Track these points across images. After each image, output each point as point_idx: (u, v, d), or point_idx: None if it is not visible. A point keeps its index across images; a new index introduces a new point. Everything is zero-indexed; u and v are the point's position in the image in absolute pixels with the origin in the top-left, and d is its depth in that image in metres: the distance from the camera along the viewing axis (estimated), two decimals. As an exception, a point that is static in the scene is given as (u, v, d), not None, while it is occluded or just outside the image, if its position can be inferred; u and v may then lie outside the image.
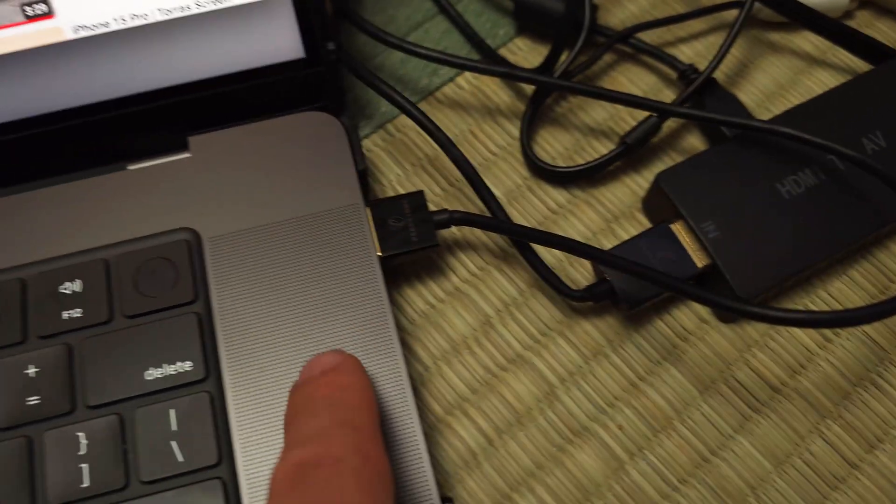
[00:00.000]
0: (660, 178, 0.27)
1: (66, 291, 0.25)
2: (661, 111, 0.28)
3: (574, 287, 0.27)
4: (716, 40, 0.32)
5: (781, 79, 0.32)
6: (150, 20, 0.26)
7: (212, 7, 0.26)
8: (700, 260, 0.26)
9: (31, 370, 0.24)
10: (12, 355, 0.24)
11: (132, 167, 0.27)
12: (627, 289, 0.26)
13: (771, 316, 0.21)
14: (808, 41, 0.32)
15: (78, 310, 0.25)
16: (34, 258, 0.25)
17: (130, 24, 0.25)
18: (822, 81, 0.32)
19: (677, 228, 0.27)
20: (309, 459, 0.18)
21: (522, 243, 0.26)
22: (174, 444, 0.23)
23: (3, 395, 0.23)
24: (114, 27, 0.25)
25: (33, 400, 0.23)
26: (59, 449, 0.23)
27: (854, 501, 0.25)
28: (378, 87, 0.27)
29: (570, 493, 0.25)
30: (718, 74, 0.31)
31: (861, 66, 0.32)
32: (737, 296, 0.25)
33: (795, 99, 0.31)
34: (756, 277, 0.26)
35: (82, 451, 0.23)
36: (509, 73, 0.28)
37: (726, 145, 0.28)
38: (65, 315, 0.25)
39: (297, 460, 0.18)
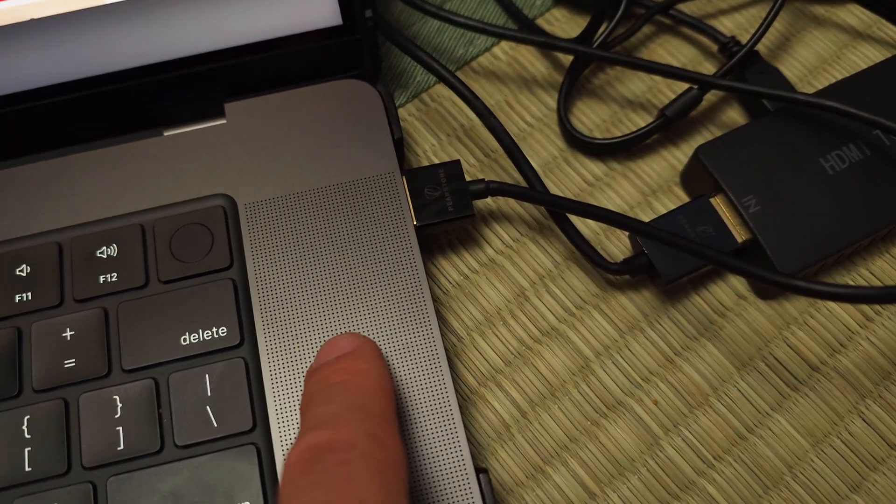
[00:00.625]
0: (699, 151, 0.27)
1: (103, 256, 0.25)
2: (703, 83, 0.27)
3: (611, 260, 0.26)
4: (757, 13, 0.31)
5: (825, 53, 0.31)
6: (187, -16, 0.25)
7: (250, -29, 0.26)
8: (740, 234, 0.26)
9: (68, 333, 0.24)
10: (49, 318, 0.24)
11: (168, 133, 0.27)
12: (665, 262, 0.25)
13: (816, 290, 0.21)
14: (853, 14, 0.31)
15: (114, 274, 0.25)
16: (71, 222, 0.25)
17: (167, -13, 0.25)
18: (867, 56, 0.31)
19: (717, 202, 0.26)
20: (321, 444, 0.18)
21: (559, 215, 0.26)
22: (209, 410, 0.23)
23: (40, 358, 0.23)
24: (151, -10, 0.25)
25: (69, 363, 0.23)
26: (94, 412, 0.23)
27: (893, 482, 0.24)
28: (416, 55, 0.27)
29: (604, 468, 0.24)
30: (760, 47, 0.31)
31: (908, 40, 0.31)
32: (776, 271, 0.25)
33: (839, 73, 0.30)
34: (797, 253, 0.25)
35: (118, 415, 0.23)
36: (547, 43, 0.27)
37: (768, 119, 0.27)
38: (101, 279, 0.25)
39: (310, 444, 0.18)
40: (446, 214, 0.25)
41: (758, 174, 0.26)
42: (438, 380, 0.23)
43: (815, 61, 0.31)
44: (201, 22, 0.26)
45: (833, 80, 0.30)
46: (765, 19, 0.28)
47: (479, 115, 0.26)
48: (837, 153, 0.27)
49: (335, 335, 0.24)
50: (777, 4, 0.28)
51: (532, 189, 0.26)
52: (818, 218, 0.26)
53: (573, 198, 0.28)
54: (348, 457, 0.17)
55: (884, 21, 0.31)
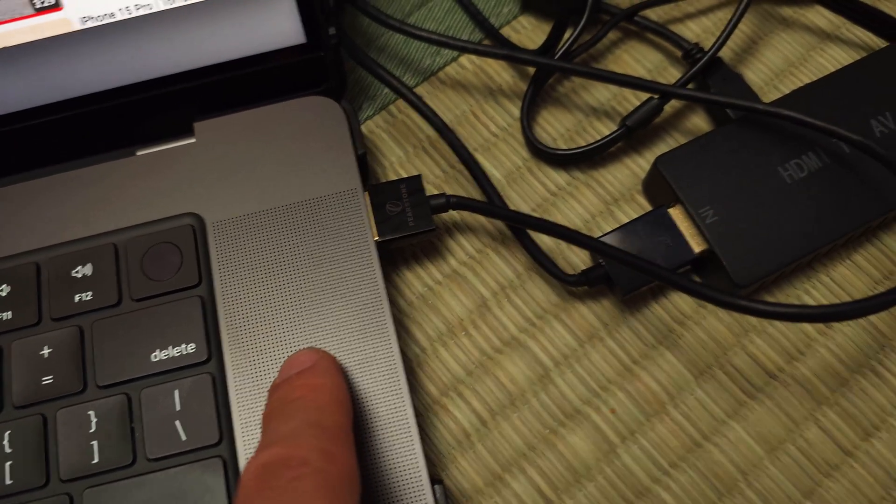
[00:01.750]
0: (658, 161, 0.27)
1: (78, 275, 0.26)
2: (662, 93, 0.27)
3: (569, 271, 0.27)
4: (725, 16, 0.31)
5: (792, 56, 0.31)
6: (154, 9, 0.26)
7: (213, -6, 0.26)
8: (697, 245, 0.26)
9: (46, 351, 0.25)
10: (28, 336, 0.25)
11: (141, 152, 0.28)
12: (622, 274, 0.26)
13: (758, 309, 0.21)
14: (821, 16, 0.31)
15: (89, 293, 0.26)
16: (48, 242, 0.26)
17: (135, 13, 0.26)
18: (835, 58, 0.31)
19: (675, 213, 0.27)
20: (275, 460, 0.18)
21: (518, 228, 0.27)
22: (178, 424, 0.24)
23: (20, 375, 0.25)
24: (119, 17, 0.26)
25: (47, 379, 0.25)
26: (71, 427, 0.24)
27: (846, 489, 0.25)
28: (376, 72, 0.27)
29: (561, 475, 0.25)
30: (726, 51, 0.31)
31: (876, 42, 0.31)
32: (733, 282, 0.25)
33: (806, 77, 0.30)
34: (754, 264, 0.25)
35: (92, 429, 0.24)
36: (508, 55, 0.28)
37: (728, 128, 0.27)
38: (76, 298, 0.26)
39: (265, 461, 0.19)
40: (407, 229, 0.26)
41: (716, 184, 0.26)
42: (396, 393, 0.24)
43: (781, 64, 0.31)
44: (169, 44, 0.27)
45: (800, 84, 0.30)
46: (726, 26, 0.28)
47: (437, 130, 0.27)
48: (796, 162, 0.27)
49: (298, 350, 0.24)
50: (738, 11, 0.28)
51: (491, 204, 0.27)
52: (775, 228, 0.26)
53: (536, 208, 0.29)
54: (300, 473, 0.18)
55: (851, 23, 0.31)
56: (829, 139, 0.27)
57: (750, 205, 0.26)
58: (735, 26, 0.28)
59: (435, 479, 0.23)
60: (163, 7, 0.26)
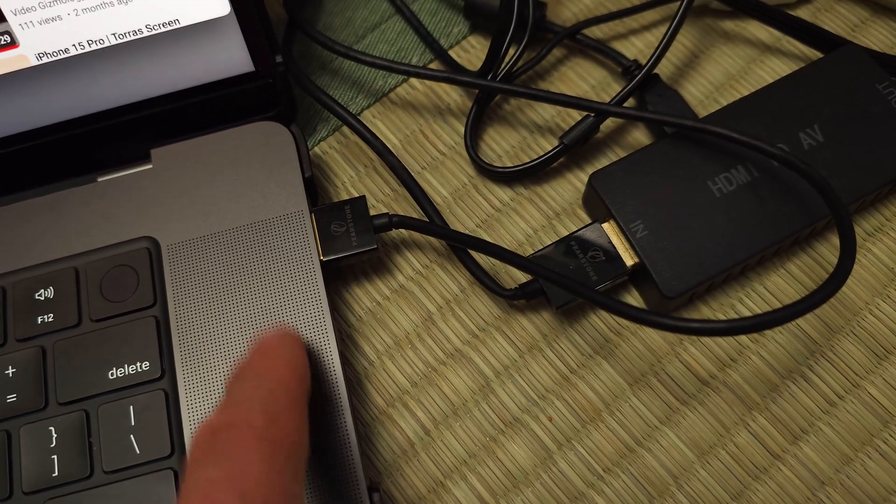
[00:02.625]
0: (592, 178, 0.28)
1: (41, 298, 0.27)
2: (598, 111, 0.28)
3: (511, 285, 0.28)
4: (669, 31, 0.32)
5: (732, 69, 0.32)
6: (107, 44, 0.27)
7: (162, 29, 0.27)
8: (630, 259, 0.27)
9: (10, 370, 0.26)
10: (-6, 357, 0.27)
11: (102, 178, 0.29)
12: (554, 288, 0.27)
13: (667, 325, 0.22)
14: (762, 29, 0.32)
15: (51, 314, 0.27)
16: (14, 267, 0.28)
17: (88, 49, 0.27)
18: (775, 70, 0.31)
19: (608, 227, 0.28)
20: (222, 424, 0.19)
21: (456, 246, 0.28)
22: (133, 438, 0.25)
23: (-14, 394, 0.26)
24: (73, 52, 0.27)
25: (11, 398, 0.26)
26: (33, 442, 0.26)
27: (774, 491, 0.26)
28: (320, 99, 0.29)
29: (500, 482, 0.26)
30: (668, 66, 0.32)
31: (814, 54, 0.31)
32: (662, 294, 0.26)
33: (745, 90, 0.31)
34: (682, 276, 0.26)
35: (53, 444, 0.25)
36: (447, 78, 0.29)
37: (661, 143, 0.28)
38: (39, 319, 0.27)
39: (211, 425, 0.19)
40: (350, 248, 0.27)
41: (647, 199, 0.27)
42: (338, 406, 0.25)
43: (722, 77, 0.31)
44: (122, 76, 0.28)
45: (739, 97, 0.31)
46: (659, 44, 0.29)
47: (378, 153, 0.28)
48: (726, 175, 0.28)
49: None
50: (670, 30, 0.29)
51: (431, 223, 0.28)
52: (704, 241, 0.27)
53: (481, 223, 0.30)
54: (242, 435, 0.19)
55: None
56: (757, 153, 0.28)
57: (680, 219, 0.27)
58: (669, 43, 0.29)
59: (373, 488, 0.24)
60: (114, 42, 0.27)
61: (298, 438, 0.20)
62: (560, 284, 0.24)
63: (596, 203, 0.28)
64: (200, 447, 0.19)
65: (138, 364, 0.26)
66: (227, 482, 0.18)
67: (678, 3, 0.31)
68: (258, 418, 0.19)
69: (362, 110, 0.32)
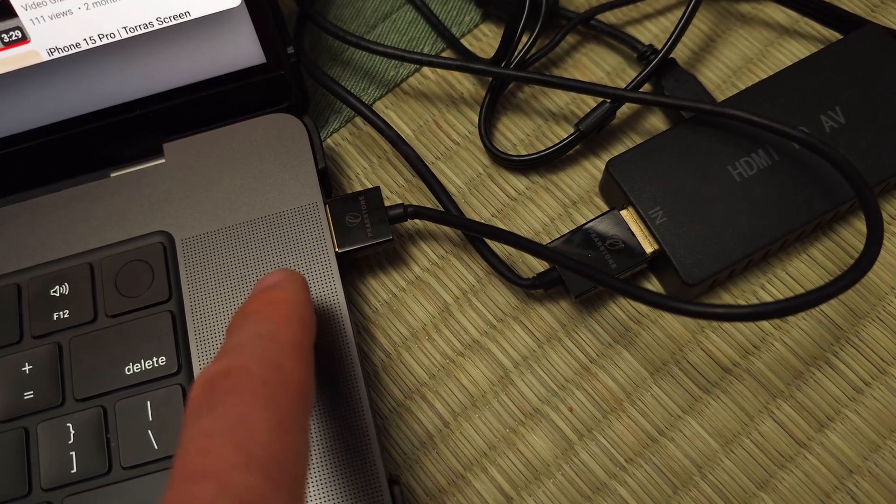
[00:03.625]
0: (610, 164, 0.27)
1: (56, 294, 0.27)
2: (614, 97, 0.28)
3: (528, 274, 0.28)
4: (684, 15, 0.32)
5: (750, 52, 0.31)
6: (117, 38, 0.27)
7: (172, 22, 0.27)
8: (649, 246, 0.27)
9: (27, 367, 0.26)
10: (10, 354, 0.27)
11: (115, 174, 0.29)
12: (573, 276, 0.26)
13: (691, 311, 0.22)
14: (779, 11, 0.32)
15: (66, 311, 0.27)
16: (29, 264, 0.28)
17: (99, 43, 0.27)
18: (793, 53, 0.31)
19: (627, 214, 0.27)
20: (219, 371, 0.18)
21: (473, 235, 0.27)
22: (150, 433, 0.25)
23: (3, 391, 0.26)
24: (84, 47, 0.27)
25: (29, 395, 0.26)
26: (51, 439, 0.25)
27: (800, 480, 0.25)
28: (333, 90, 0.28)
29: (520, 474, 0.26)
30: (684, 50, 0.31)
31: (834, 36, 0.31)
32: (682, 281, 0.26)
33: (763, 73, 0.31)
34: (703, 262, 0.26)
35: (71, 441, 0.25)
36: (461, 66, 0.29)
37: (679, 128, 0.28)
38: (55, 316, 0.27)
39: (209, 374, 0.18)
40: (366, 240, 0.27)
41: (666, 185, 0.27)
42: (356, 399, 0.25)
43: (739, 61, 0.31)
44: (133, 69, 0.28)
45: (758, 80, 0.30)
46: (675, 28, 0.28)
47: (392, 143, 0.27)
48: (746, 160, 0.27)
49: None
50: (687, 13, 0.28)
51: (447, 213, 0.27)
52: (724, 227, 0.26)
53: (496, 213, 0.29)
54: (241, 383, 0.17)
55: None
56: (778, 136, 0.27)
57: (699, 204, 0.27)
58: (685, 28, 0.28)
59: (393, 481, 0.24)
60: (125, 36, 0.27)
61: (303, 387, 0.18)
62: (579, 272, 0.24)
63: (613, 190, 0.28)
64: (196, 398, 0.18)
65: (154, 359, 0.26)
66: (226, 433, 0.16)
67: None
68: (258, 365, 0.18)
69: (374, 101, 0.31)
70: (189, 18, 0.27)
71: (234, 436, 0.16)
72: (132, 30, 0.27)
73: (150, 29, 0.27)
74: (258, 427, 0.17)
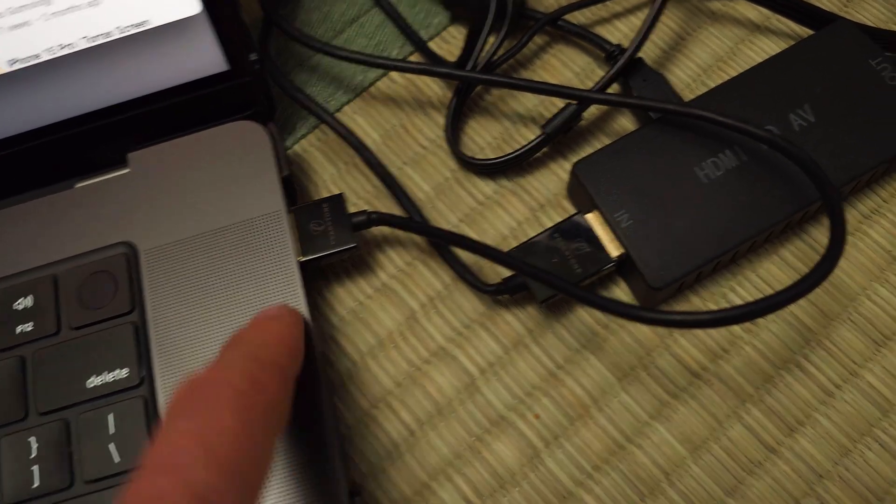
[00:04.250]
0: (575, 167, 0.27)
1: (20, 307, 0.27)
2: (580, 98, 0.27)
3: (493, 281, 0.27)
4: (654, 13, 0.31)
5: (720, 50, 0.31)
6: (79, 48, 0.27)
7: (133, 31, 0.27)
8: (615, 250, 0.26)
9: (-9, 381, 0.26)
10: (-26, 368, 0.26)
11: (79, 185, 0.29)
12: (538, 282, 0.26)
13: (647, 318, 0.21)
14: (751, 8, 0.31)
15: (30, 324, 0.27)
16: (-6, 276, 0.28)
17: (60, 53, 0.27)
18: (764, 50, 0.30)
19: (593, 218, 0.27)
20: (203, 380, 0.19)
21: (436, 241, 0.27)
22: (112, 446, 0.25)
23: (-32, 406, 0.26)
24: (45, 58, 0.27)
25: (-8, 408, 0.26)
26: (14, 453, 0.25)
27: (769, 486, 0.25)
28: (295, 97, 0.28)
29: (486, 482, 0.26)
30: (654, 49, 0.31)
31: (806, 32, 0.30)
32: (648, 285, 0.25)
33: (734, 71, 0.30)
34: (669, 266, 0.26)
35: (33, 455, 0.25)
36: (426, 70, 0.28)
37: (645, 129, 0.27)
38: (18, 329, 0.27)
39: (192, 380, 0.19)
40: (329, 248, 0.27)
41: (632, 187, 0.26)
42: (318, 410, 0.25)
43: (709, 59, 0.31)
44: (96, 79, 0.28)
45: (728, 79, 0.30)
46: (641, 28, 0.28)
47: (356, 150, 0.27)
48: (713, 160, 0.27)
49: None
50: (653, 13, 0.28)
51: (410, 220, 0.27)
52: (690, 229, 0.26)
53: (463, 218, 0.29)
54: (220, 392, 0.19)
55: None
56: (744, 136, 0.27)
57: (666, 207, 0.26)
58: (652, 27, 0.28)
59: (354, 491, 0.24)
60: (86, 46, 0.27)
61: (277, 406, 0.20)
62: (537, 278, 0.23)
63: (580, 193, 0.27)
64: (177, 400, 0.19)
65: (117, 371, 0.26)
66: (196, 433, 0.18)
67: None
68: (239, 379, 0.19)
69: (342, 106, 0.31)
70: (149, 27, 0.27)
71: (203, 435, 0.18)
72: (93, 39, 0.27)
73: (110, 38, 0.27)
74: (227, 432, 0.18)
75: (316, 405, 0.25)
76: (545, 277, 0.23)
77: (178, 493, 0.17)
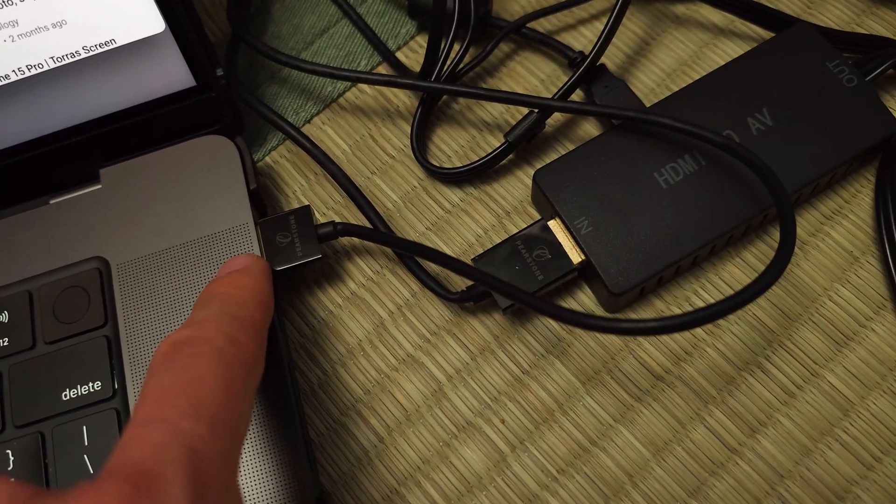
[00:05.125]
0: (537, 175, 0.27)
1: (-4, 323, 0.28)
2: (540, 106, 0.28)
3: (459, 288, 0.28)
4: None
5: (685, 54, 0.31)
6: (46, 68, 0.27)
7: (99, 50, 0.27)
8: (576, 256, 0.27)
9: (-32, 396, 0.27)
10: (-47, 383, 0.27)
11: (54, 201, 0.30)
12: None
13: (595, 325, 0.22)
14: (715, 11, 0.31)
15: (6, 339, 0.27)
16: (-30, 293, 0.28)
17: (28, 73, 0.27)
18: (728, 53, 0.31)
19: (554, 225, 0.27)
20: (182, 339, 0.20)
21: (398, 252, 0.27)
22: (86, 458, 0.26)
23: (-54, 420, 0.27)
24: (14, 78, 0.27)
25: (-30, 423, 0.26)
26: (-9, 465, 0.26)
27: (731, 486, 0.25)
28: (261, 112, 0.29)
29: (454, 487, 0.26)
30: (618, 54, 0.31)
31: (769, 35, 0.30)
32: (609, 291, 0.26)
33: (698, 75, 0.30)
34: (629, 271, 0.26)
35: (10, 467, 0.26)
36: (389, 81, 0.29)
37: (605, 136, 0.28)
38: (-5, 344, 0.27)
39: (173, 340, 0.21)
40: (296, 259, 0.27)
41: (592, 194, 0.27)
42: (288, 418, 0.25)
43: (673, 64, 0.31)
44: (65, 98, 0.28)
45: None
46: (601, 35, 0.28)
47: (320, 164, 0.28)
48: (672, 165, 0.27)
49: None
50: (610, 21, 0.28)
51: (375, 230, 0.28)
52: (650, 235, 0.26)
53: (430, 226, 0.29)
54: (200, 350, 0.20)
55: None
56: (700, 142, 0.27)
57: (625, 213, 0.26)
58: (612, 34, 0.28)
59: (321, 500, 0.24)
60: (54, 66, 0.27)
61: (254, 362, 0.21)
62: (493, 288, 0.24)
63: (542, 201, 0.28)
64: (159, 358, 0.20)
65: (90, 384, 0.26)
66: (181, 388, 0.19)
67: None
68: (218, 337, 0.20)
69: (312, 117, 0.32)
70: (115, 46, 0.27)
71: (187, 390, 0.19)
72: (60, 59, 0.27)
73: (77, 58, 0.27)
74: (209, 386, 0.19)
75: (285, 414, 0.25)
76: (500, 287, 0.24)
77: (168, 442, 0.17)
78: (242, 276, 0.24)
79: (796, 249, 0.28)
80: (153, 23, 0.27)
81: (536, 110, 0.28)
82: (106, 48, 0.27)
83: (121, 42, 0.27)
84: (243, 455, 0.25)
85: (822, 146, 0.27)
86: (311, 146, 0.28)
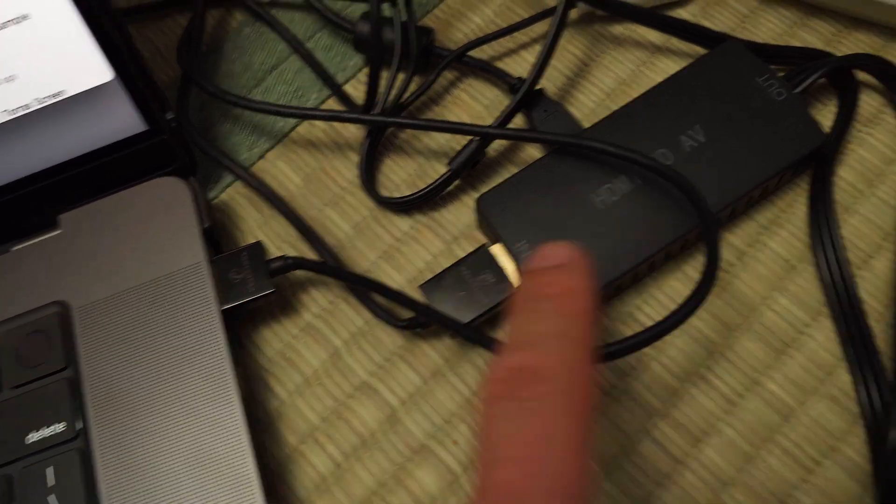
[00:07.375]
0: (479, 201, 0.28)
1: (-39, 370, 0.29)
2: (479, 134, 0.29)
3: (404, 316, 0.29)
4: (561, 43, 0.32)
5: (623, 74, 0.32)
6: (0, 121, 0.28)
7: (51, 101, 0.28)
8: (517, 279, 0.27)
9: (-63, 442, 0.28)
10: (-78, 430, 0.28)
11: (16, 248, 0.31)
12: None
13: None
14: (651, 30, 0.32)
15: (-28, 385, 0.28)
16: (-62, 342, 0.29)
17: (-18, 126, 0.28)
18: (665, 71, 0.31)
19: (497, 249, 0.28)
20: (524, 366, 0.18)
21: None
22: (51, 499, 0.27)
23: (-85, 467, 0.27)
24: (-30, 132, 0.28)
25: (-62, 469, 0.27)
26: (-40, 509, 0.27)
27: (677, 497, 0.26)
28: (209, 153, 0.30)
29: (409, 509, 0.27)
30: (559, 77, 0.32)
31: (703, 51, 0.31)
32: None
33: (637, 93, 0.31)
34: (569, 291, 0.27)
35: (-21, 510, 0.27)
36: (333, 117, 0.29)
37: (544, 160, 0.28)
38: (-39, 391, 0.28)
39: (515, 365, 0.18)
40: (248, 294, 0.28)
41: (531, 217, 0.28)
42: (240, 451, 0.26)
43: (612, 84, 0.32)
44: (20, 148, 0.29)
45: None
46: (537, 61, 0.29)
47: (269, 201, 0.28)
48: (608, 186, 0.28)
49: (156, 420, 0.27)
50: (546, 47, 0.29)
51: (324, 264, 0.29)
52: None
53: (381, 255, 0.30)
54: (549, 390, 0.17)
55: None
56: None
57: (563, 234, 0.27)
58: (547, 59, 0.29)
59: (278, 528, 0.25)
60: (6, 118, 0.28)
61: (591, 394, 0.18)
62: (432, 319, 0.25)
63: (485, 225, 0.29)
64: (499, 389, 0.18)
65: (54, 427, 0.27)
66: (532, 451, 0.16)
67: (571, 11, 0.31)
68: (563, 371, 0.17)
69: (265, 152, 0.33)
70: (66, 96, 0.28)
71: (535, 452, 0.16)
72: (13, 112, 0.28)
73: (30, 110, 0.28)
74: (559, 454, 0.17)
75: (237, 450, 0.26)
76: (436, 318, 0.24)
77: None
78: (570, 278, 0.20)
79: (735, 260, 0.29)
80: (101, 72, 0.28)
81: (477, 138, 0.29)
82: (57, 99, 0.28)
83: (71, 92, 0.28)
84: (193, 487, 0.25)
85: (754, 160, 0.28)
86: (259, 185, 0.29)
